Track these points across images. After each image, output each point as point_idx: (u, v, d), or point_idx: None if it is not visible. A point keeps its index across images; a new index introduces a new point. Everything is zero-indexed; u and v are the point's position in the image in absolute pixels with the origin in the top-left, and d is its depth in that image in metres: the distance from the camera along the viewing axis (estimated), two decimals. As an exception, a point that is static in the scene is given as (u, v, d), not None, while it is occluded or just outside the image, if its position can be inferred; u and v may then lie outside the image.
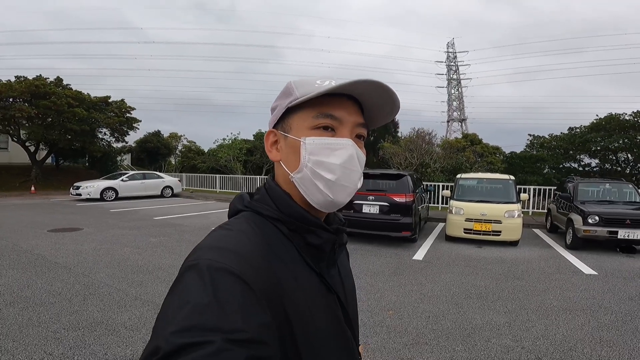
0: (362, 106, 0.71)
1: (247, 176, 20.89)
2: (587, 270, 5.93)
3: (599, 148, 18.84)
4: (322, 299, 0.66)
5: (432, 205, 13.33)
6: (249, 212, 0.69)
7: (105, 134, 23.28)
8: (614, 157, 19.17)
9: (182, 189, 19.64)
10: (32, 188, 18.09)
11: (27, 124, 19.31)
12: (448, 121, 53.83)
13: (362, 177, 0.71)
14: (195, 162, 27.70)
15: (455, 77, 54.10)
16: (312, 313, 0.62)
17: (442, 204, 13.98)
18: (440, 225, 10.28)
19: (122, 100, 23.11)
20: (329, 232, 0.69)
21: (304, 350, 0.59)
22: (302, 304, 0.61)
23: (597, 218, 7.17)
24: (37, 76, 19.84)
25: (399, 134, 22.38)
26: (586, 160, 20.21)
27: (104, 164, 24.16)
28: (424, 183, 13.28)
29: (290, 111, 0.69)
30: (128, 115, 23.12)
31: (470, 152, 19.19)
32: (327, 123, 0.66)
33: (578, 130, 20.12)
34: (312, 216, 0.68)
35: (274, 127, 0.73)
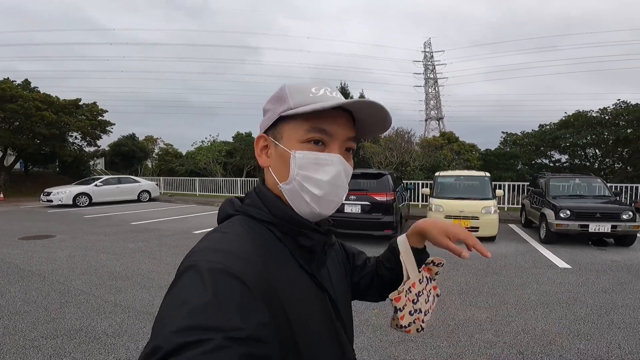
0: (354, 118, 0.72)
1: (228, 178, 20.65)
2: (561, 264, 6.14)
3: (568, 144, 19.57)
4: (315, 299, 0.68)
5: (412, 203, 13.53)
6: (242, 215, 0.69)
7: (76, 137, 22.57)
8: (582, 153, 19.95)
9: (160, 192, 19.21)
10: (1, 195, 17.31)
11: (-7, 129, 18.50)
12: (426, 120, 54.81)
13: (347, 190, 0.73)
14: (173, 165, 27.20)
15: (432, 76, 55.13)
16: (307, 312, 0.64)
17: (422, 201, 14.21)
18: (420, 223, 10.43)
19: (94, 103, 22.44)
20: (320, 233, 0.71)
21: (303, 348, 0.61)
22: (299, 304, 0.62)
23: (568, 212, 7.44)
24: (3, 79, 19.03)
25: (378, 134, 22.56)
26: (556, 156, 20.99)
27: (75, 169, 23.45)
28: (404, 181, 13.46)
29: (282, 119, 0.68)
30: (100, 118, 22.45)
31: (448, 150, 19.61)
32: (318, 137, 0.67)
33: (548, 127, 20.83)
34: (304, 219, 0.69)
35: (264, 132, 0.72)
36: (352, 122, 0.71)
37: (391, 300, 0.87)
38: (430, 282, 0.94)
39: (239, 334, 0.48)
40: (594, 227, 7.25)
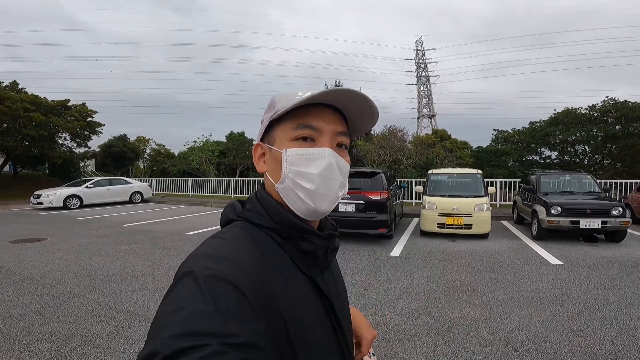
0: (345, 116, 0.73)
1: (221, 178, 20.55)
2: (553, 260, 6.21)
3: (557, 141, 19.75)
4: (315, 304, 0.68)
5: (406, 201, 13.59)
6: (242, 221, 0.70)
7: (65, 139, 22.31)
8: (572, 150, 20.15)
9: (153, 194, 19.04)
10: (-11, 197, 17.06)
11: (-20, 131, 18.22)
12: (418, 117, 55.10)
13: (345, 186, 0.72)
14: (165, 165, 27.04)
15: (424, 74, 55.42)
16: (306, 318, 0.64)
17: (416, 199, 14.27)
18: (415, 220, 10.50)
19: (83, 103, 22.20)
20: (321, 238, 0.71)
21: (302, 354, 0.61)
22: (298, 310, 0.62)
23: (559, 209, 7.52)
24: (-10, 80, 18.77)
25: (372, 132, 22.62)
26: (547, 152, 21.17)
27: (65, 171, 23.13)
28: (398, 179, 13.52)
29: (273, 124, 0.71)
30: (90, 119, 22.22)
31: (440, 147, 19.75)
32: (306, 134, 0.68)
33: (538, 124, 21.01)
34: (305, 223, 0.69)
35: (261, 140, 0.75)
36: (341, 118, 0.72)
37: None
38: None
39: (235, 340, 0.48)
40: (584, 223, 7.34)
